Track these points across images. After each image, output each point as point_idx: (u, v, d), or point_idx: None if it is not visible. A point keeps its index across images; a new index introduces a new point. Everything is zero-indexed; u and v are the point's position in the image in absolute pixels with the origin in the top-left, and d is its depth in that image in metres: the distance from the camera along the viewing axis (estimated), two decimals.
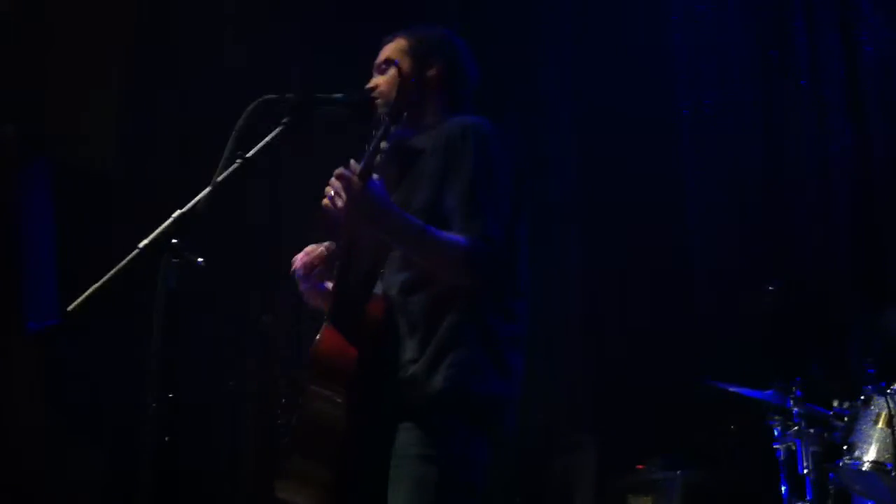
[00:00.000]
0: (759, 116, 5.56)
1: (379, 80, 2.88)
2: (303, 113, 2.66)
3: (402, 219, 2.52)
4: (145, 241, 2.44)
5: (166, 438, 2.38)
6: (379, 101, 2.80)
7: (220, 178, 2.52)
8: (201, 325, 4.85)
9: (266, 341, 5.35)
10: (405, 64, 2.84)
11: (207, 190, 2.50)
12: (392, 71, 2.81)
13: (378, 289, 2.72)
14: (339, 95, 2.77)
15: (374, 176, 2.46)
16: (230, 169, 2.52)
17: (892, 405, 4.12)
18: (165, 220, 2.47)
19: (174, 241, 2.44)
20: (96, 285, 2.39)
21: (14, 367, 4.78)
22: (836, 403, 4.35)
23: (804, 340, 4.98)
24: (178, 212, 2.47)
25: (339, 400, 2.55)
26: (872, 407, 4.20)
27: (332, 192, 2.48)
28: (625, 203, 5.59)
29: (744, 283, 5.24)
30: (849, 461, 4.16)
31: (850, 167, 5.25)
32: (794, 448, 4.45)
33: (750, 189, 5.53)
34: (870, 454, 4.12)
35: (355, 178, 2.44)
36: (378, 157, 2.44)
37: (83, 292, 2.41)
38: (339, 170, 2.46)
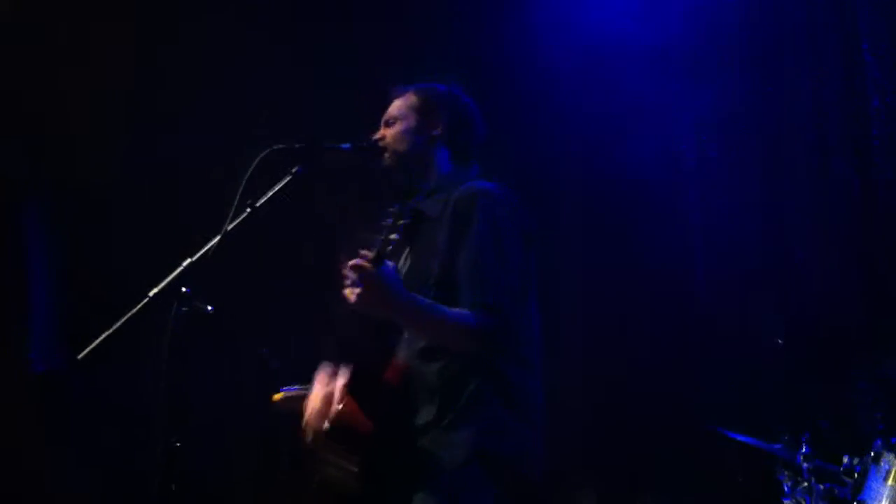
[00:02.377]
0: (762, 163, 5.56)
1: (385, 132, 2.92)
2: (310, 161, 2.70)
3: (412, 302, 2.54)
4: (155, 290, 2.46)
5: (172, 487, 2.38)
6: (386, 154, 2.87)
7: (229, 227, 2.55)
8: (205, 363, 4.83)
9: (265, 375, 5.31)
10: (412, 120, 2.91)
11: (216, 239, 2.54)
12: (399, 125, 2.89)
13: (399, 354, 2.74)
14: (346, 145, 2.82)
15: (388, 263, 2.50)
16: (239, 218, 2.56)
17: None
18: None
19: (184, 289, 2.46)
20: (106, 333, 2.41)
21: (17, 404, 4.78)
22: (845, 459, 4.31)
23: (813, 394, 4.95)
24: (187, 260, 2.50)
25: (354, 469, 2.57)
26: (882, 463, 4.16)
27: (348, 282, 2.49)
28: (630, 245, 5.58)
29: (753, 335, 5.20)
30: None
31: (855, 214, 5.24)
32: (803, 503, 4.40)
33: (754, 236, 5.52)
34: None
35: (369, 267, 2.45)
36: (390, 246, 2.48)
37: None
38: (354, 260, 2.47)
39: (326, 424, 2.61)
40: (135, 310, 2.49)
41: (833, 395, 4.93)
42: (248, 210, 2.57)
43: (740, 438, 4.52)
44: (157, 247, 2.56)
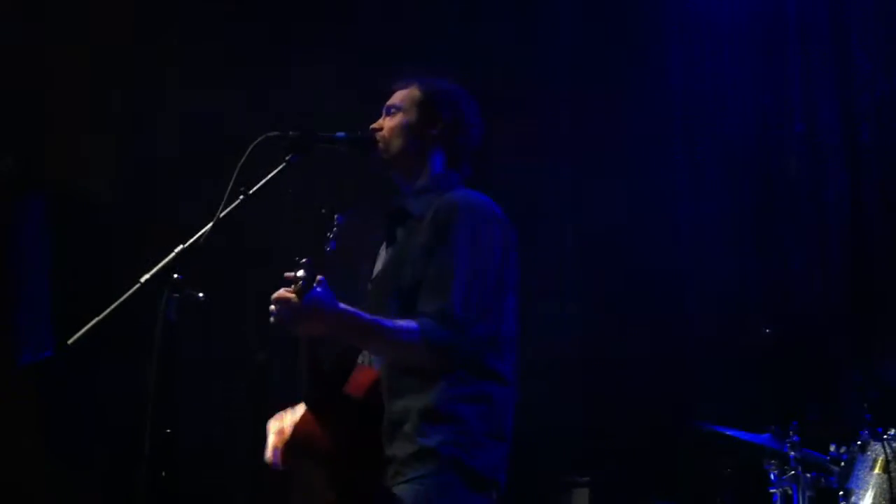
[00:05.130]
0: (755, 162, 5.58)
1: (384, 122, 2.90)
2: (304, 150, 2.69)
3: (352, 318, 2.49)
4: (146, 276, 2.44)
5: (163, 473, 2.37)
6: (381, 146, 2.86)
7: (222, 214, 2.54)
8: (197, 361, 4.83)
9: (261, 379, 5.31)
10: (412, 115, 2.87)
11: (209, 225, 2.52)
12: (398, 118, 2.86)
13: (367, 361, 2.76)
14: (341, 134, 2.81)
15: (318, 277, 2.41)
16: (232, 205, 2.55)
17: (888, 450, 4.11)
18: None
19: (175, 275, 2.45)
20: (96, 319, 2.40)
21: (11, 397, 4.77)
22: (832, 448, 4.33)
23: (801, 384, 4.97)
24: (179, 247, 2.49)
25: (327, 482, 2.58)
26: (869, 452, 4.19)
27: (275, 312, 2.44)
28: (619, 246, 5.60)
29: (741, 326, 5.23)
30: None
31: (846, 213, 5.27)
32: (790, 492, 4.42)
33: (746, 234, 5.54)
34: (866, 500, 4.10)
35: (293, 299, 2.39)
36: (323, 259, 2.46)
37: (80, 322, 2.42)
38: (276, 294, 2.44)
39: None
40: (126, 296, 2.47)
41: (821, 384, 4.96)
42: (241, 197, 2.56)
43: (729, 432, 4.54)
44: (156, 245, 2.53)
